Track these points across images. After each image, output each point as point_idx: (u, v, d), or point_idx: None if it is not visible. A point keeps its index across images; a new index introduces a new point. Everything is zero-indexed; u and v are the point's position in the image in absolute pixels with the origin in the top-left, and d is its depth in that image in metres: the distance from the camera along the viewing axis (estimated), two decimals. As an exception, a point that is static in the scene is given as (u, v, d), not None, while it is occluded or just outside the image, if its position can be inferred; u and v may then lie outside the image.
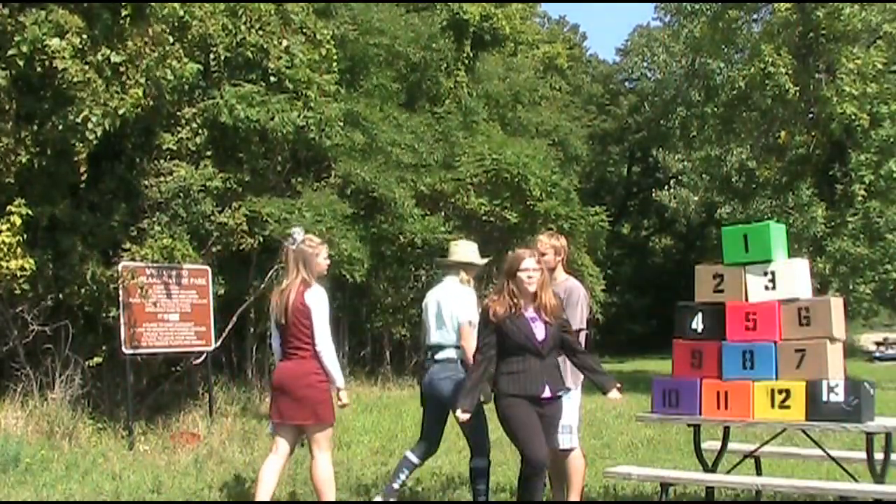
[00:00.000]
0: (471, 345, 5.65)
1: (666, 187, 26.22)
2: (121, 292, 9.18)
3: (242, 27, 10.75)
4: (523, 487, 5.30)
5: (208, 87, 10.65)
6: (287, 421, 5.47)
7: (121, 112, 8.32)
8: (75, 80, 8.04)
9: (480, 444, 6.01)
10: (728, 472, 6.07)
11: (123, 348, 9.19)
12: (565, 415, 5.73)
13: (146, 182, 10.05)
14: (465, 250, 6.32)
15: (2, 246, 8.53)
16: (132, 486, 7.03)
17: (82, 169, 8.44)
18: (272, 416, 5.59)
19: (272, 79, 10.85)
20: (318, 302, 5.50)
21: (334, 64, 12.21)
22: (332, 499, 5.54)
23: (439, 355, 6.00)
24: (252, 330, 13.63)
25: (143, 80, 8.50)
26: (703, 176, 21.83)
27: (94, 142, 8.32)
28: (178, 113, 10.39)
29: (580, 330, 5.77)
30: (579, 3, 66.58)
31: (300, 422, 5.46)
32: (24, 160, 8.65)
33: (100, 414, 9.59)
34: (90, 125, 8.14)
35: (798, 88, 18.33)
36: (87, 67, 8.16)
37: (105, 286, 9.33)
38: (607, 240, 23.60)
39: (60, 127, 8.30)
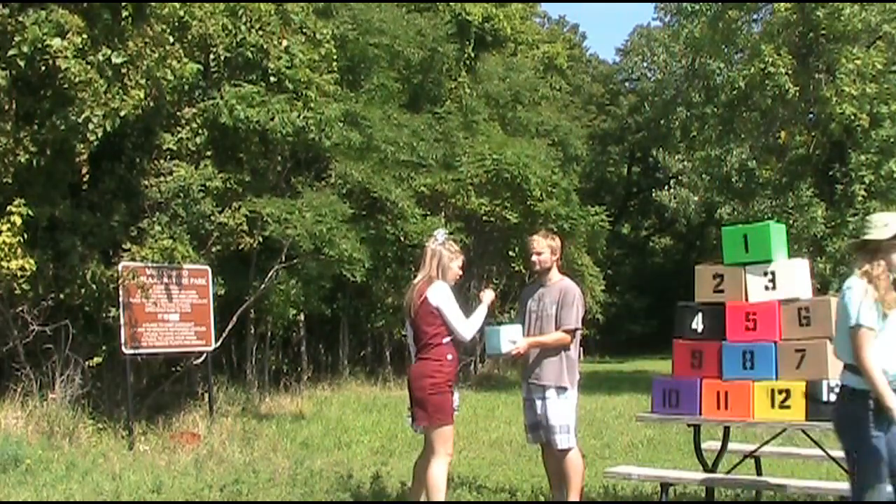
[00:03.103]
0: (863, 354, 4.07)
1: (666, 187, 26.16)
2: (121, 292, 9.18)
3: (242, 27, 10.75)
4: None
5: (208, 87, 10.67)
6: (415, 423, 5.48)
7: (122, 113, 8.33)
8: (77, 80, 8.04)
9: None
10: (728, 472, 6.08)
11: (123, 348, 9.19)
12: (563, 414, 5.74)
13: (146, 182, 10.06)
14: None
15: (2, 246, 8.53)
16: (132, 486, 7.03)
17: (84, 170, 8.45)
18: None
19: (272, 79, 10.85)
20: (441, 296, 5.43)
21: (333, 63, 12.22)
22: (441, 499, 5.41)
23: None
24: (252, 330, 13.64)
25: (143, 81, 8.50)
26: (703, 176, 21.80)
27: (96, 142, 8.32)
28: (178, 113, 10.40)
29: (576, 329, 5.78)
30: (579, 3, 66.56)
31: (419, 423, 5.43)
32: (23, 160, 8.65)
33: (100, 414, 9.59)
34: (91, 125, 8.14)
35: (798, 88, 18.32)
36: (88, 68, 8.16)
37: (105, 286, 9.34)
38: (607, 240, 23.61)
39: (62, 127, 8.29)
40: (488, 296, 5.82)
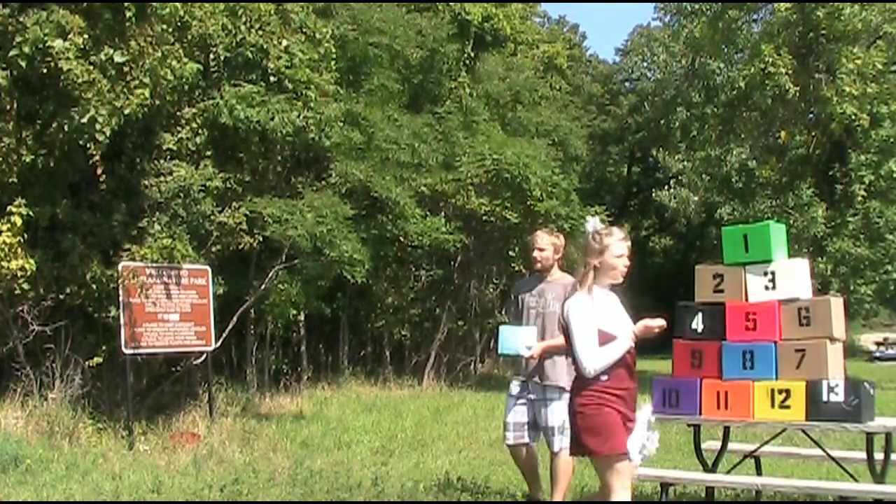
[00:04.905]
0: None
1: (666, 187, 26.21)
2: (121, 292, 9.18)
3: (242, 27, 10.74)
4: None
5: (208, 87, 10.65)
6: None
7: (126, 112, 8.32)
8: (80, 81, 8.04)
9: None
10: (728, 472, 6.08)
11: (123, 348, 9.19)
12: (562, 415, 5.74)
13: (146, 182, 10.05)
14: None
15: (2, 246, 8.54)
16: (132, 486, 7.03)
17: (99, 171, 8.44)
18: None
19: (272, 79, 10.84)
20: (573, 311, 4.31)
21: (332, 63, 12.21)
22: None
23: None
24: (252, 330, 13.64)
25: (147, 80, 8.50)
26: (703, 176, 21.85)
27: (105, 142, 8.32)
28: (178, 113, 10.39)
29: None
30: (579, 3, 66.61)
31: (574, 452, 4.43)
32: (27, 160, 8.66)
33: (100, 414, 9.59)
34: (98, 125, 8.14)
35: (798, 88, 18.35)
36: (91, 68, 8.16)
37: (105, 286, 9.34)
38: (607, 240, 23.54)
39: (66, 128, 8.29)
40: (646, 326, 4.46)
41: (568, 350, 5.76)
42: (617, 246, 4.33)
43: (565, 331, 4.38)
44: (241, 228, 10.73)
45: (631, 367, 4.35)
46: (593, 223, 4.40)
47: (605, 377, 4.23)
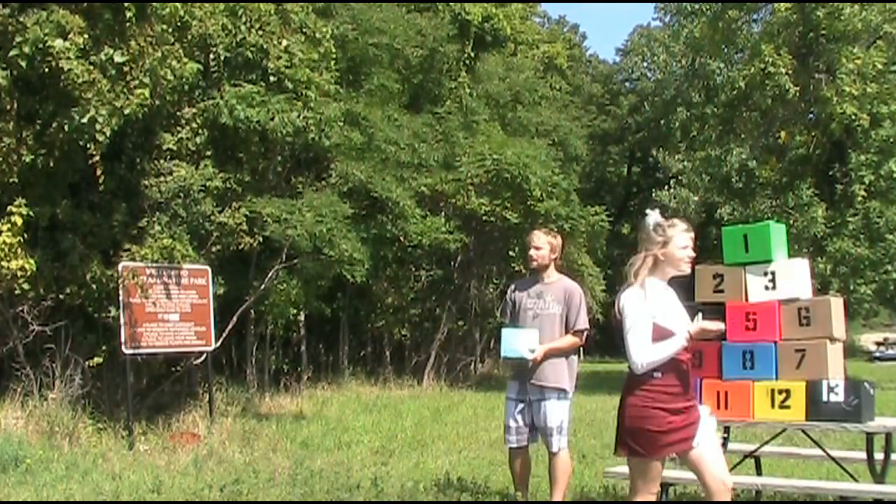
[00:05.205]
0: None
1: (666, 187, 26.22)
2: (121, 292, 9.18)
3: (242, 27, 10.75)
4: None
5: (208, 87, 10.65)
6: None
7: (126, 112, 8.32)
8: (80, 80, 8.04)
9: None
10: (728, 472, 6.07)
11: (123, 348, 9.19)
12: (560, 416, 5.75)
13: (146, 182, 10.05)
14: None
15: (2, 246, 8.54)
16: (132, 486, 7.03)
17: (99, 171, 8.44)
18: None
19: (272, 79, 10.85)
20: (626, 305, 4.16)
21: (332, 63, 12.22)
22: None
23: None
24: (252, 330, 13.65)
25: (147, 80, 8.50)
26: (703, 176, 21.85)
27: (105, 142, 8.32)
28: (178, 113, 10.39)
29: (584, 330, 5.78)
30: (579, 3, 66.64)
31: (619, 453, 4.29)
32: (27, 160, 8.66)
33: (100, 414, 9.59)
34: (98, 125, 8.14)
35: (798, 88, 18.34)
36: (91, 68, 8.16)
37: (105, 286, 9.34)
38: (607, 240, 23.63)
39: (66, 128, 8.29)
40: (702, 328, 4.35)
41: (569, 351, 5.81)
42: (681, 237, 4.30)
43: (619, 324, 4.26)
44: (241, 228, 10.73)
45: (685, 366, 4.26)
46: (654, 216, 4.30)
47: (657, 374, 4.12)
